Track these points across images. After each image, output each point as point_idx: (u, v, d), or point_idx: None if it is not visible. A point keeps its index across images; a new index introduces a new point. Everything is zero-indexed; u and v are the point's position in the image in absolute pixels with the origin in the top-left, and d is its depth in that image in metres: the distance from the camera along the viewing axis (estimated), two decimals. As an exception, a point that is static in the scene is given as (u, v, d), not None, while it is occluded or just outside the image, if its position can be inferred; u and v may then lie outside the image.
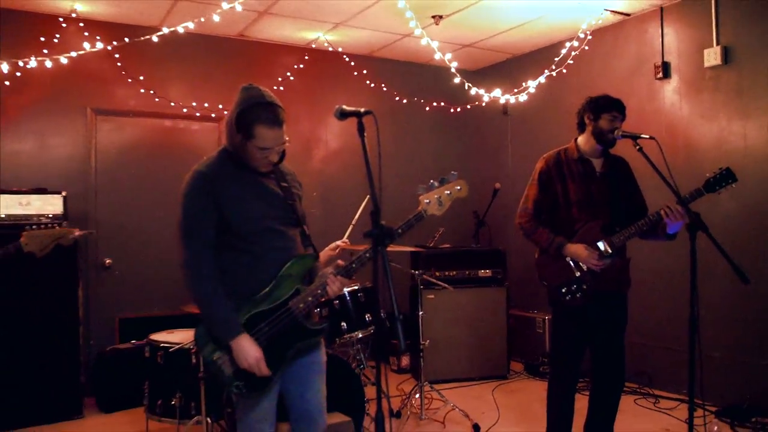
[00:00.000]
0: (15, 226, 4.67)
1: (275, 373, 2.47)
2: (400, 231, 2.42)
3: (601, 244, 3.36)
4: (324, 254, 3.70)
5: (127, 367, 4.97)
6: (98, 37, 5.19)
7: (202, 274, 2.42)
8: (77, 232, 2.78)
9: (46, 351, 4.75)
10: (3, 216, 4.69)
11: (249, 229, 2.47)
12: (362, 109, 2.32)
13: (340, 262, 2.54)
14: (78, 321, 4.90)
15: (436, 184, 2.47)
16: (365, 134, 2.30)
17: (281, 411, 2.66)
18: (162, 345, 4.14)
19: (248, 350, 2.38)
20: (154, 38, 5.13)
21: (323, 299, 2.55)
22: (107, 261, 5.56)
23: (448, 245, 6.16)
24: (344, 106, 2.35)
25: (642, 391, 5.28)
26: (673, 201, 3.19)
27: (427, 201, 2.45)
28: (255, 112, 2.38)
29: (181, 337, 4.25)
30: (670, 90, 5.34)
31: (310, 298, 2.48)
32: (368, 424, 4.21)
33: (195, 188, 2.45)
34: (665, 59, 5.35)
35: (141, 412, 4.48)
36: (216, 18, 5.02)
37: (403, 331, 2.08)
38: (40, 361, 4.72)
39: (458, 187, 2.48)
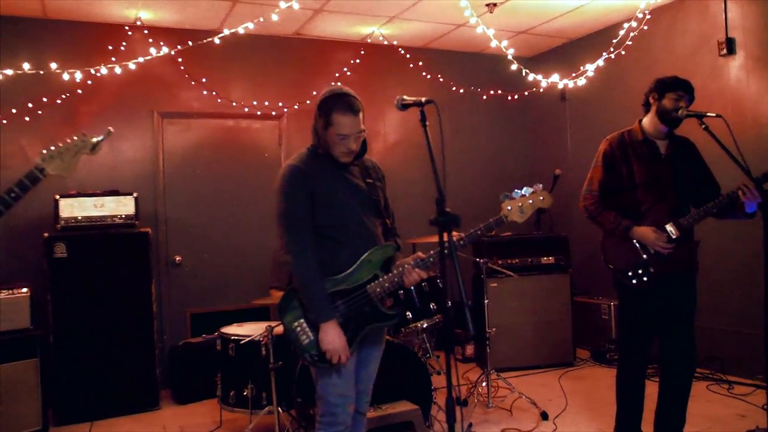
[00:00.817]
0: (92, 227, 4.92)
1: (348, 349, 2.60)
2: (479, 232, 2.56)
3: (669, 227, 3.31)
4: None
5: (200, 359, 5.14)
6: (162, 43, 5.37)
7: (306, 258, 2.60)
8: (99, 136, 2.54)
9: (123, 346, 4.94)
10: (80, 218, 4.90)
11: (336, 219, 2.65)
12: (423, 99, 2.36)
13: (420, 254, 2.64)
14: (152, 316, 5.07)
15: (519, 192, 2.55)
16: (427, 124, 2.34)
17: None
18: (233, 338, 4.27)
19: (334, 337, 2.55)
20: (216, 40, 5.29)
21: (399, 288, 2.65)
22: (177, 258, 5.75)
23: (509, 233, 6.12)
24: (405, 97, 2.40)
25: (714, 377, 5.14)
26: (741, 180, 3.12)
27: (509, 208, 2.55)
28: (331, 101, 2.62)
29: (250, 329, 4.37)
30: (736, 66, 5.16)
31: (386, 284, 2.62)
32: (435, 412, 4.25)
33: (292, 179, 2.66)
34: (729, 35, 5.17)
35: (215, 403, 4.65)
36: (274, 17, 5.12)
37: (472, 319, 2.13)
38: (118, 356, 4.92)
39: (541, 198, 2.57)
